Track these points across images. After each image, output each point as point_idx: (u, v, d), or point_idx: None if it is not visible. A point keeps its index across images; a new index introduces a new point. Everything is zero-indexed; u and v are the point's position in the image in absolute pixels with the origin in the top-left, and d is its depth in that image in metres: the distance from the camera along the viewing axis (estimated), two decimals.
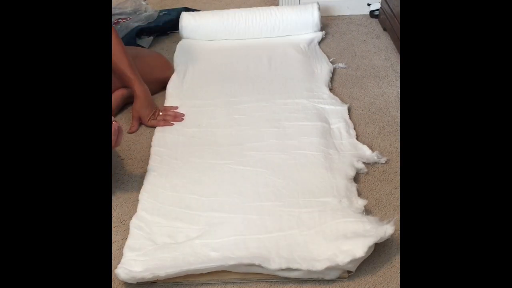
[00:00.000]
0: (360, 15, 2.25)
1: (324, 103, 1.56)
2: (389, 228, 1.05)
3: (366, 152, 1.37)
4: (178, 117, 1.53)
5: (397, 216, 1.18)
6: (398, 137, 1.45)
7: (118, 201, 1.27)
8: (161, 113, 1.54)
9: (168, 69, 1.78)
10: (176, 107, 1.58)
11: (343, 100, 1.61)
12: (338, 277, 1.04)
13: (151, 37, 2.07)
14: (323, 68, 1.78)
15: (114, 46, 1.50)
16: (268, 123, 1.48)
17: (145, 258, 1.07)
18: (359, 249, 1.02)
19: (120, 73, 1.52)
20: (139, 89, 1.53)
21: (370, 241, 1.03)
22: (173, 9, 2.28)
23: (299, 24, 1.99)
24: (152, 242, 1.11)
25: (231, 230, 1.12)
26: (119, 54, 1.51)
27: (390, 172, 1.34)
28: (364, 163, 1.34)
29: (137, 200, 1.23)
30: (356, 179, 1.30)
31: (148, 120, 1.53)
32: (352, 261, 1.01)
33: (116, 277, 1.05)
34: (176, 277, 1.04)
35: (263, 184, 1.26)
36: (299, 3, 2.22)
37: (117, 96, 1.60)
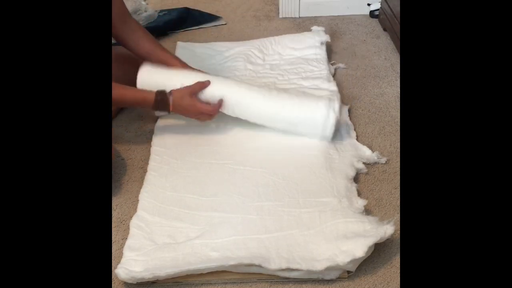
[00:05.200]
0: (360, 15, 2.25)
1: None
2: (389, 228, 1.05)
3: (366, 152, 1.37)
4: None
5: (397, 216, 1.18)
6: (398, 137, 1.45)
7: (118, 201, 1.27)
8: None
9: None
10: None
11: (343, 100, 1.61)
12: (338, 277, 1.04)
13: None
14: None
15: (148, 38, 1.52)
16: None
17: (145, 258, 1.07)
18: (359, 249, 1.02)
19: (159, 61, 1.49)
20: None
21: (370, 241, 1.03)
22: (173, 9, 2.28)
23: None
24: (152, 242, 1.11)
25: (231, 230, 1.12)
26: (151, 44, 1.53)
27: (390, 172, 1.34)
28: (364, 163, 1.34)
29: (137, 200, 1.23)
30: (356, 179, 1.30)
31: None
32: (352, 261, 1.01)
33: (116, 277, 1.05)
34: (176, 277, 1.04)
35: (263, 184, 1.26)
36: (299, 8, 2.22)
37: None
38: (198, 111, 1.37)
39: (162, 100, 1.35)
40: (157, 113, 1.39)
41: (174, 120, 1.52)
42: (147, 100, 1.35)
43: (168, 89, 1.36)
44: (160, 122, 1.51)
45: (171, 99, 1.35)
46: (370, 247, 1.03)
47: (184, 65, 1.53)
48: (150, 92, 1.35)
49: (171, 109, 1.36)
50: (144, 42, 1.51)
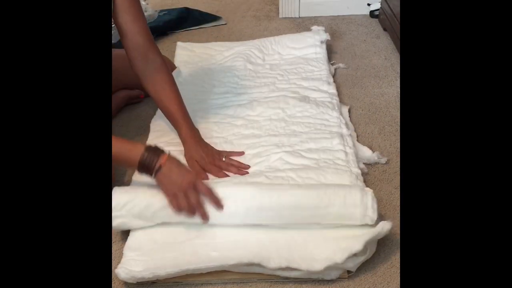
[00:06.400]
0: (360, 15, 2.25)
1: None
2: (386, 224, 1.04)
3: (367, 152, 1.37)
4: (242, 169, 1.28)
5: (397, 216, 1.18)
6: (398, 137, 1.45)
7: None
8: (224, 159, 1.30)
9: (172, 69, 1.77)
10: (242, 153, 1.34)
11: (343, 100, 1.61)
12: (338, 277, 1.04)
13: None
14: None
15: (168, 86, 1.34)
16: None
17: (145, 257, 1.07)
18: (356, 243, 1.01)
19: (169, 114, 1.35)
20: (187, 134, 1.31)
21: (367, 235, 1.02)
22: (173, 9, 2.28)
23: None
24: (152, 242, 1.11)
25: (231, 230, 1.12)
26: (170, 94, 1.33)
27: (390, 172, 1.34)
28: (364, 163, 1.34)
29: None
30: None
31: (206, 164, 1.28)
32: (350, 257, 1.01)
33: (116, 277, 1.05)
34: (176, 277, 1.04)
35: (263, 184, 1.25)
36: (299, 8, 2.23)
37: (117, 96, 1.60)
38: (189, 180, 1.09)
39: (149, 162, 1.08)
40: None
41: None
42: (132, 153, 1.09)
43: None
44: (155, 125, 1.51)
45: (159, 163, 1.08)
46: (368, 242, 1.02)
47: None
48: (140, 145, 1.11)
49: (153, 175, 1.09)
50: (164, 90, 1.33)
